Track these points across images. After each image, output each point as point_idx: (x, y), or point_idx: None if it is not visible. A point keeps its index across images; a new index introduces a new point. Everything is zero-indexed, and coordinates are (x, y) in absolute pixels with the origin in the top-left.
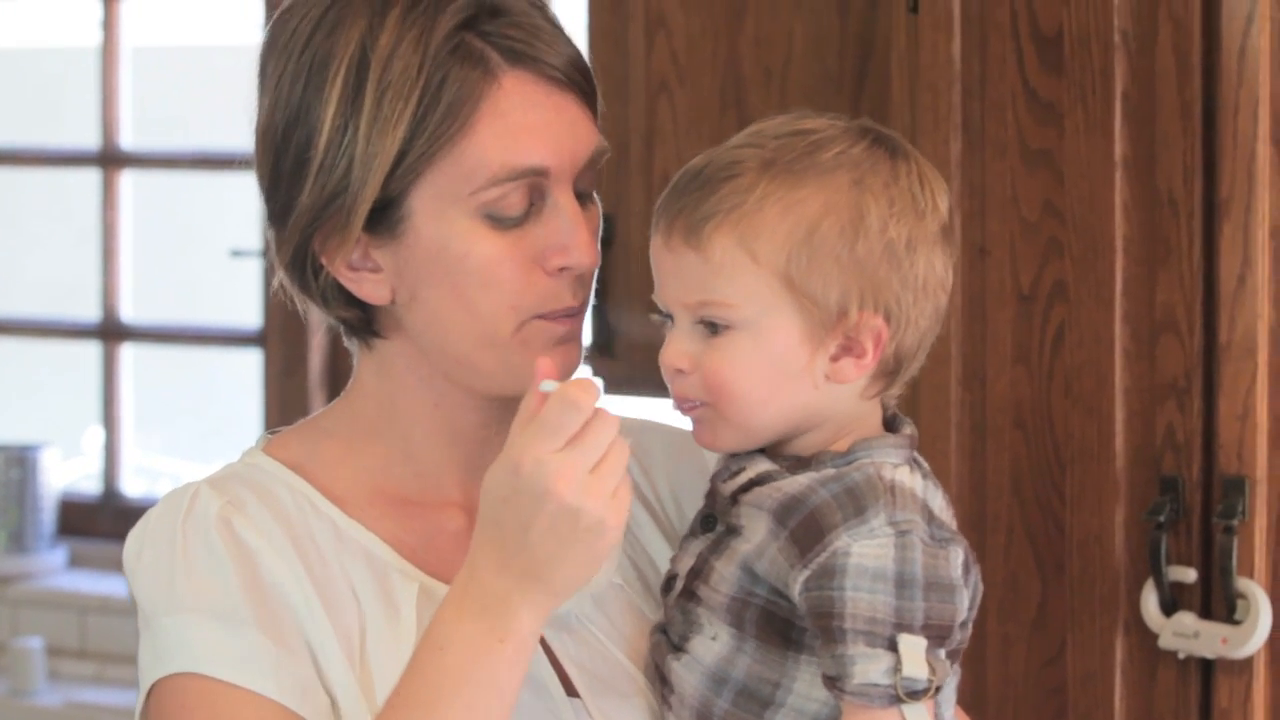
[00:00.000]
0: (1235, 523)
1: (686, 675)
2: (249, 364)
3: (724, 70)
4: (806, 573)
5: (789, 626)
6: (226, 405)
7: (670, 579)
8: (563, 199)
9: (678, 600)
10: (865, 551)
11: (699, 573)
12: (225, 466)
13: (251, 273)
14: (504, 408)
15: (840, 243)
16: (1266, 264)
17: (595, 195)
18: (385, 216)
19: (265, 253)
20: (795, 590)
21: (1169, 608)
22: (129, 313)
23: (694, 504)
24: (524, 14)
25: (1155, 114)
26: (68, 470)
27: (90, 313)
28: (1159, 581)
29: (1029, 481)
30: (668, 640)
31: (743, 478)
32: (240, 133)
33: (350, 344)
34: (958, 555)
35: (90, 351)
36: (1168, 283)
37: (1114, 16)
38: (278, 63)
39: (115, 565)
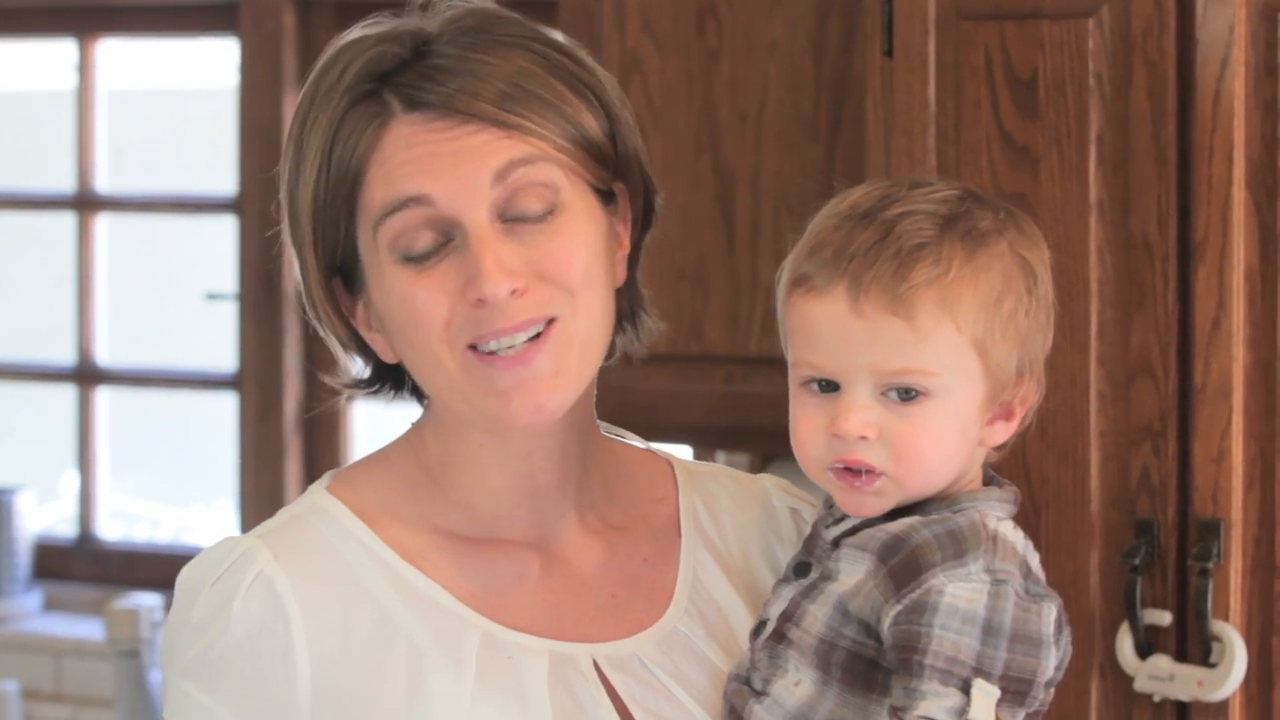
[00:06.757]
0: (1210, 565)
1: (767, 718)
2: (225, 407)
3: (699, 114)
4: (899, 607)
5: (874, 669)
6: (203, 448)
7: (760, 624)
8: (468, 227)
9: (766, 643)
10: (959, 593)
11: (790, 616)
12: (286, 509)
13: (227, 316)
14: (543, 441)
15: (1020, 309)
16: (1241, 307)
17: (562, 209)
18: (355, 276)
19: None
20: (885, 624)
21: (1144, 651)
22: (104, 356)
23: (759, 551)
24: (462, 59)
25: (1130, 158)
26: (44, 514)
27: (65, 356)
28: (1134, 624)
29: None
30: (749, 687)
31: (847, 523)
32: (214, 175)
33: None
34: (1050, 612)
35: (66, 395)
36: (1143, 326)
37: (1089, 60)
38: None
39: (91, 609)
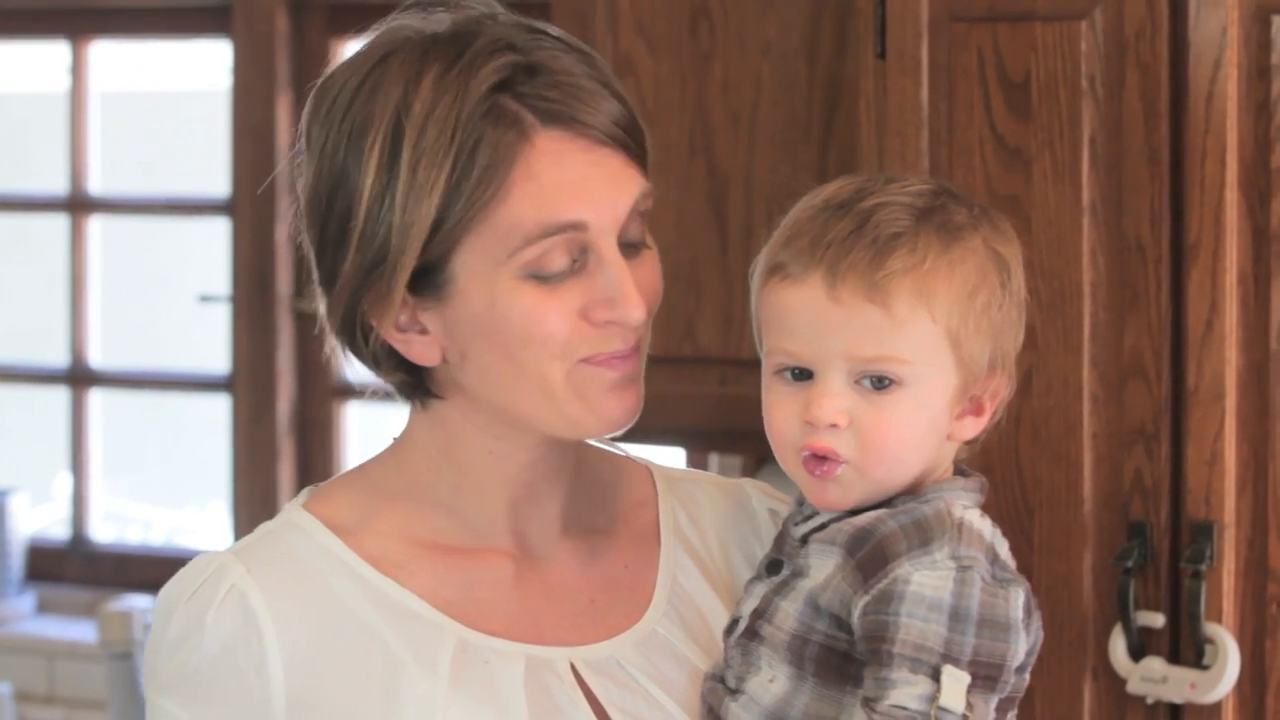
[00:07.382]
0: (1203, 568)
1: (744, 716)
2: (218, 409)
3: (692, 116)
4: (867, 598)
5: (847, 662)
6: (195, 450)
7: (734, 621)
8: (607, 253)
9: (739, 640)
10: (925, 581)
11: (762, 613)
12: (262, 525)
13: (220, 318)
14: (550, 448)
15: (993, 303)
16: (1234, 309)
17: (649, 240)
18: (430, 280)
19: (315, 317)
20: (855, 616)
21: (1137, 653)
22: (97, 358)
23: (741, 554)
24: (564, 72)
25: (1123, 160)
26: (37, 516)
27: (59, 358)
28: (1127, 626)
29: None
30: (723, 685)
31: (816, 520)
32: (207, 177)
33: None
34: (1018, 597)
35: (59, 397)
36: (1135, 328)
37: (1082, 62)
38: (320, 130)
39: (83, 611)
